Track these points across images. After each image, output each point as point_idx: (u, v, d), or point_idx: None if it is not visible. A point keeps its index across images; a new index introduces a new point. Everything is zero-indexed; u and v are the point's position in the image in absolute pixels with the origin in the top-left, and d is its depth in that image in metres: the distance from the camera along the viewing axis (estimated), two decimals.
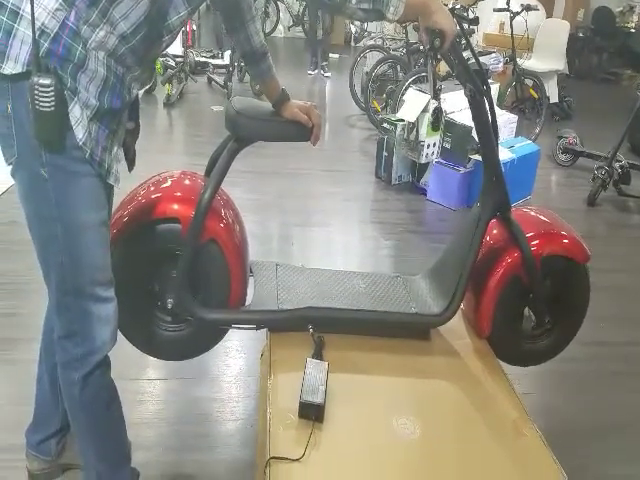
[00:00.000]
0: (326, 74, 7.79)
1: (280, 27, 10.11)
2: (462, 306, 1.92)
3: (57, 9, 1.22)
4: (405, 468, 1.44)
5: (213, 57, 7.44)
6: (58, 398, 1.72)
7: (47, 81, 1.20)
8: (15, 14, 1.22)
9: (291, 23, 10.06)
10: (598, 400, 2.39)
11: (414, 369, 1.76)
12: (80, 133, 1.27)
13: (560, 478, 1.41)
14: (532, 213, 2.04)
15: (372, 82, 5.52)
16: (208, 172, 1.85)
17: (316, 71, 7.84)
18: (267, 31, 9.37)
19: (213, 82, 6.64)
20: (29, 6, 1.20)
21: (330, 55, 8.89)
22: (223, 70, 6.72)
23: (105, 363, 1.50)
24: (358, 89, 6.00)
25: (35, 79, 1.20)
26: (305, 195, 4.12)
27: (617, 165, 4.32)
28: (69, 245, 1.36)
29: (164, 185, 1.84)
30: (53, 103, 1.21)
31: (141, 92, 1.46)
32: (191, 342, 1.92)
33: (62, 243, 1.35)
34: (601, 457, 2.11)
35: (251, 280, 1.98)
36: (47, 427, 1.78)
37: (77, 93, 1.26)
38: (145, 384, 2.28)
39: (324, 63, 7.91)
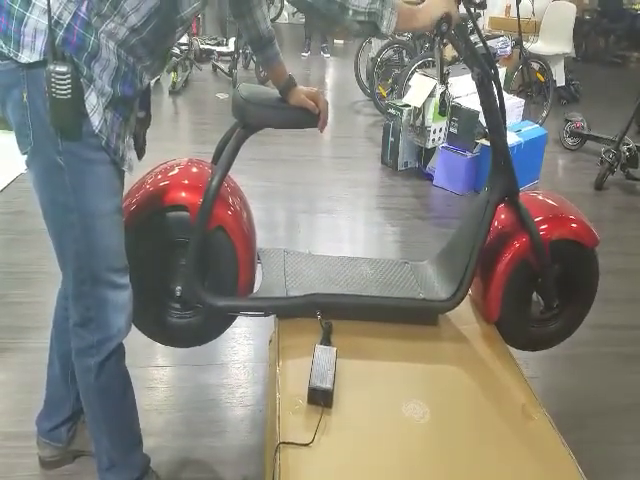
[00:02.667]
0: (326, 54, 7.85)
1: (284, 13, 10.05)
2: (470, 291, 1.92)
3: (69, 0, 1.22)
4: (414, 452, 1.44)
5: (218, 45, 7.40)
6: (69, 385, 1.73)
7: (64, 69, 1.21)
8: (27, 2, 1.23)
9: (295, 9, 9.99)
10: (608, 383, 2.39)
11: (422, 354, 1.77)
12: (96, 121, 1.28)
13: (569, 461, 1.42)
14: (540, 197, 2.03)
15: (378, 67, 5.48)
16: (215, 159, 1.85)
17: (309, 53, 7.86)
18: (272, 17, 9.31)
19: (218, 70, 6.62)
20: None
21: (335, 41, 8.87)
22: (228, 58, 6.70)
23: (120, 351, 1.51)
24: (363, 75, 5.97)
25: (52, 67, 1.20)
26: (311, 182, 4.11)
27: (625, 148, 4.29)
28: (85, 233, 1.36)
29: (172, 173, 1.84)
30: (69, 91, 1.22)
31: (153, 81, 1.46)
32: (200, 329, 1.93)
33: (78, 231, 1.36)
34: (611, 439, 2.11)
35: (259, 267, 1.99)
36: (58, 414, 1.80)
37: (93, 81, 1.27)
38: (154, 371, 2.30)
39: (324, 45, 7.93)
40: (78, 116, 1.26)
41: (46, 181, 1.35)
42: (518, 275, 1.86)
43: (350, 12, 1.38)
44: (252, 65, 6.59)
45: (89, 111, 1.27)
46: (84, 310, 1.44)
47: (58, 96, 1.21)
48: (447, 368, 1.75)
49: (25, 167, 1.36)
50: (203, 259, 1.78)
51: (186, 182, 1.80)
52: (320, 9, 1.39)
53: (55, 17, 1.21)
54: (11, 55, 1.24)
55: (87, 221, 1.36)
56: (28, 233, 3.07)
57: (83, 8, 1.23)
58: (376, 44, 6.00)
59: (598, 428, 2.16)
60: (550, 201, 2.00)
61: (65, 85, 1.21)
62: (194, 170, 1.88)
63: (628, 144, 4.31)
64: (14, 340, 2.39)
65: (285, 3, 9.87)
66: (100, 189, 1.36)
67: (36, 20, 1.22)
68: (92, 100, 1.27)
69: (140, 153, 1.61)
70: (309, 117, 1.73)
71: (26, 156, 1.33)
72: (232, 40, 6.83)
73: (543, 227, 1.85)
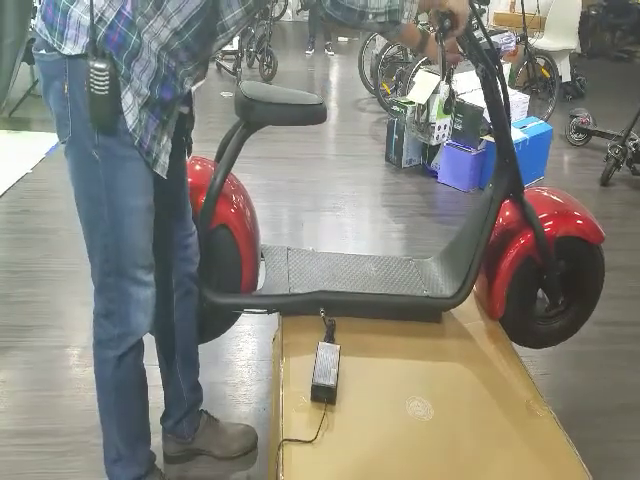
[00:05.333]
0: (329, 52, 7.85)
1: (288, 11, 10.06)
2: (474, 288, 1.92)
3: None
4: (417, 450, 1.44)
5: None
6: (180, 382, 1.80)
7: (102, 65, 1.22)
8: None
9: (299, 7, 10.00)
10: (613, 380, 2.38)
11: (426, 352, 1.76)
12: (130, 120, 1.29)
13: (574, 458, 1.41)
14: (545, 194, 2.02)
15: (382, 64, 5.47)
16: (218, 158, 1.85)
17: (313, 51, 7.87)
18: (276, 15, 9.32)
19: (222, 68, 6.62)
20: None
21: (339, 38, 8.86)
22: (232, 56, 6.69)
23: (139, 347, 1.53)
24: (367, 72, 5.95)
25: (91, 62, 1.22)
26: (315, 180, 4.11)
27: (631, 144, 4.26)
28: (114, 227, 1.38)
29: None
30: (107, 87, 1.23)
31: (194, 87, 1.46)
32: (203, 327, 1.93)
33: (108, 225, 1.38)
34: (617, 437, 2.10)
35: (262, 264, 1.99)
36: (177, 410, 1.84)
37: (130, 81, 1.28)
38: (158, 369, 2.29)
39: (328, 42, 7.93)
40: (114, 113, 1.27)
41: (81, 173, 1.37)
42: (523, 272, 1.86)
43: (370, 16, 1.38)
44: (256, 63, 6.59)
45: (124, 109, 1.28)
46: (107, 302, 1.47)
47: (96, 91, 1.23)
48: (451, 365, 1.75)
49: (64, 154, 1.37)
50: (206, 257, 1.78)
51: (189, 180, 1.80)
52: (338, 18, 1.39)
53: (99, 14, 1.23)
54: (55, 46, 1.26)
55: (117, 216, 1.38)
56: (33, 232, 3.08)
57: (127, 7, 1.24)
58: (380, 41, 5.98)
59: (604, 426, 2.15)
60: (555, 198, 1.99)
61: (103, 82, 1.23)
62: (197, 168, 1.88)
63: (634, 139, 4.28)
64: (19, 339, 2.39)
65: (289, 1, 9.89)
66: (132, 186, 1.37)
67: (80, 15, 1.24)
68: (128, 99, 1.28)
69: (188, 150, 1.61)
70: (310, 114, 1.73)
71: (64, 145, 1.35)
72: (236, 39, 6.82)
73: (548, 224, 1.84)
